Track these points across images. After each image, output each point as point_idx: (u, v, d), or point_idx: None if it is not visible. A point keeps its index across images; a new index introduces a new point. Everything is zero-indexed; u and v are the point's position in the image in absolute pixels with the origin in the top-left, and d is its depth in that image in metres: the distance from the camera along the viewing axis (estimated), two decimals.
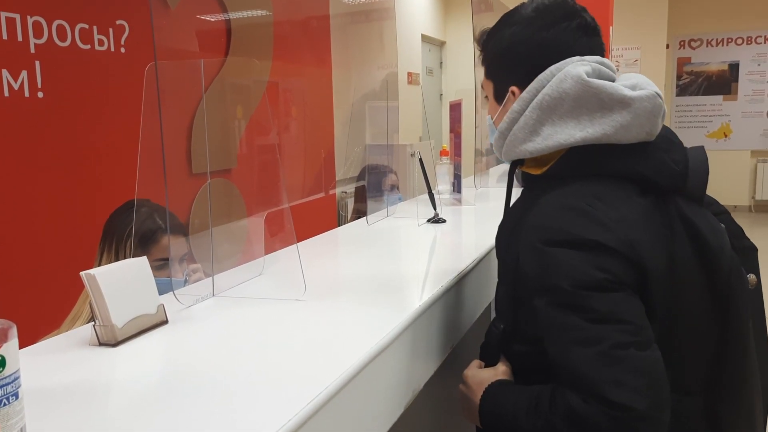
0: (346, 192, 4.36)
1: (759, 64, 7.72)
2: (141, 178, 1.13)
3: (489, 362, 1.12)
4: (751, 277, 1.04)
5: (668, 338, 0.92)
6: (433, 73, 7.90)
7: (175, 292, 1.07)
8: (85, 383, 0.80)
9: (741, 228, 1.08)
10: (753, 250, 1.08)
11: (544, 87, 1.00)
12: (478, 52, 1.19)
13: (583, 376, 0.85)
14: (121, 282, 0.93)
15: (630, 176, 0.98)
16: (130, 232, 1.35)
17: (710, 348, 0.98)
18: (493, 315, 1.19)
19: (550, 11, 1.05)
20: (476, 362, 1.15)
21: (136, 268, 0.96)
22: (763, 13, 7.57)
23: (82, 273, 0.89)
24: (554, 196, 0.98)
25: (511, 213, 1.14)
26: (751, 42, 7.70)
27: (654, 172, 0.98)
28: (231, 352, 0.90)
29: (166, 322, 0.99)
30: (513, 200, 1.17)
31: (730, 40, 7.77)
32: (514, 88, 1.06)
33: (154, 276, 1.00)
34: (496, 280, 1.17)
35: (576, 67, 0.99)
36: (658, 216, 0.96)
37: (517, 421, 0.96)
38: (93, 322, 0.91)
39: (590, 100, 0.97)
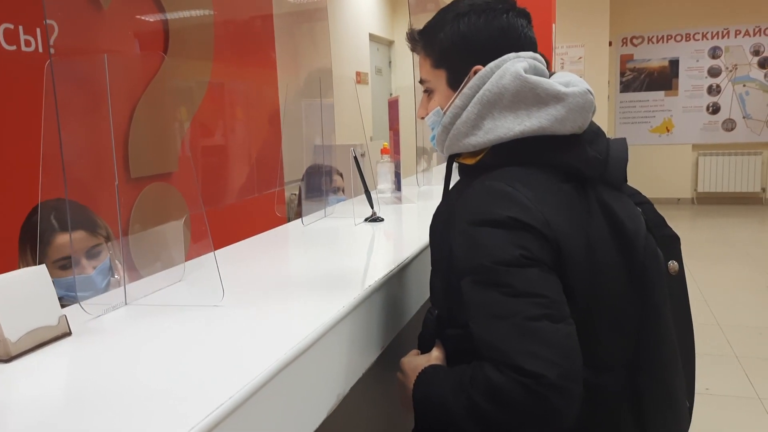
0: (295, 194, 4.30)
1: (698, 60, 7.98)
2: (46, 181, 1.07)
3: (425, 350, 1.14)
4: (673, 264, 1.08)
5: (588, 316, 0.95)
6: (382, 73, 7.89)
7: (81, 303, 1.01)
8: None
9: (663, 217, 1.12)
10: (675, 239, 1.11)
11: (485, 83, 1.04)
12: (419, 49, 1.18)
13: (498, 347, 0.88)
14: (15, 293, 0.87)
15: (555, 164, 1.03)
16: (24, 238, 1.28)
17: (630, 328, 1.01)
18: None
19: (497, 2, 1.11)
20: (414, 351, 1.17)
21: (34, 277, 0.90)
22: (700, 11, 7.84)
23: None
24: (480, 181, 1.02)
25: (446, 203, 1.16)
26: (690, 39, 7.95)
27: (578, 161, 1.04)
28: (136, 364, 0.85)
29: (69, 334, 0.93)
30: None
31: (670, 37, 8.01)
32: (478, 67, 1.08)
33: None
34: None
35: (514, 64, 1.04)
36: (577, 200, 1.02)
37: (446, 404, 0.96)
38: None
39: (528, 95, 1.02)
